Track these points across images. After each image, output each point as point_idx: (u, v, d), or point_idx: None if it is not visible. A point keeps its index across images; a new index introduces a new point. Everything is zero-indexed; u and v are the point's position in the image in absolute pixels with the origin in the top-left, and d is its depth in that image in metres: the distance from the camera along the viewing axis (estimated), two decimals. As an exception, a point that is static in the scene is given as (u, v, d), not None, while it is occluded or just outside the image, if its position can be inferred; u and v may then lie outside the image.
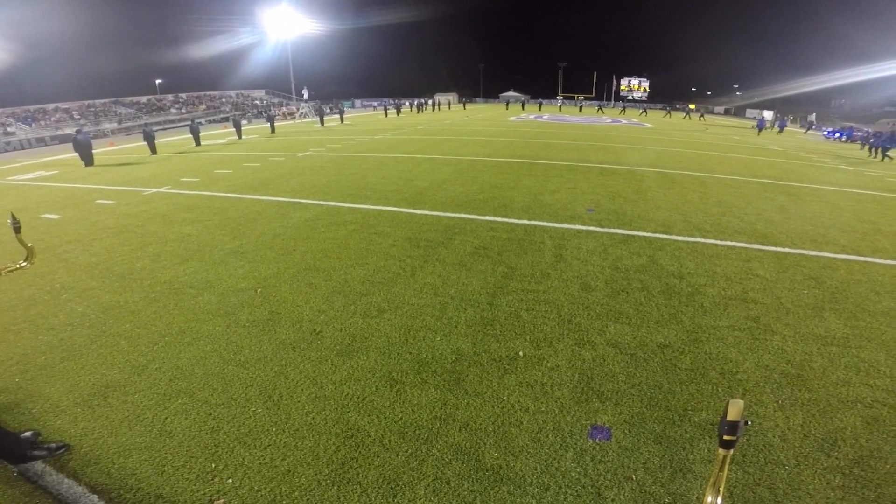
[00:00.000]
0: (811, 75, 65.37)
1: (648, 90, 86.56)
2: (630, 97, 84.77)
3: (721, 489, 1.49)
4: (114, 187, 12.29)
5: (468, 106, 72.30)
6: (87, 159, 16.72)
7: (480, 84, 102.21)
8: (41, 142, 30.74)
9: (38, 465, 3.09)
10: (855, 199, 11.39)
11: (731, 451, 1.50)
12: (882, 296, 5.68)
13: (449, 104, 66.80)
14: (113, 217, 9.19)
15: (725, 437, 1.48)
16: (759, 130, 34.57)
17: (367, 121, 39.02)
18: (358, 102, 68.12)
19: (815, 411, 3.60)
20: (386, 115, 44.68)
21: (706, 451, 3.18)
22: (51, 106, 38.61)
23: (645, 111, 60.32)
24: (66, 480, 2.98)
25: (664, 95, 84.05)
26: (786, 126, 38.88)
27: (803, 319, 5.04)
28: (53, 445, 3.20)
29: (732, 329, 4.81)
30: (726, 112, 72.01)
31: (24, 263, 3.22)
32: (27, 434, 3.24)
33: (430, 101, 62.41)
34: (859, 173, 16.09)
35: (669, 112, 60.63)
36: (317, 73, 65.76)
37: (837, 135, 35.18)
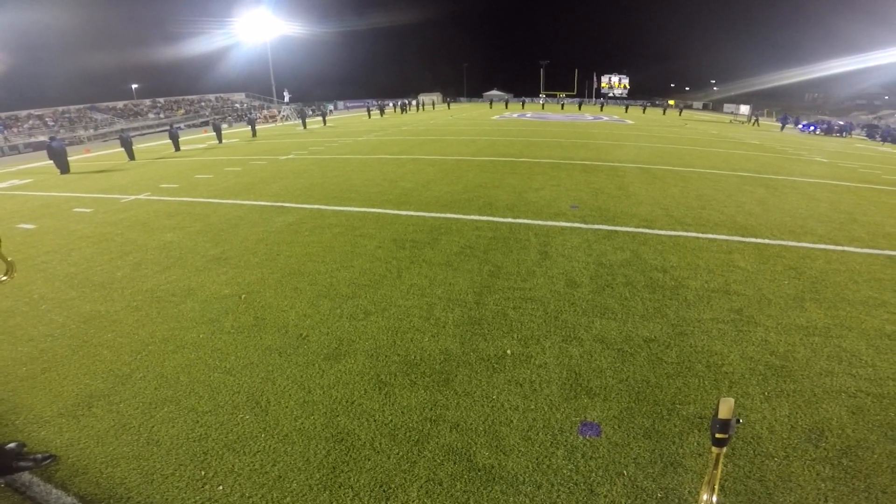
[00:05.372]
0: (786, 69, 66.72)
1: (628, 87, 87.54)
2: (611, 94, 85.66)
3: (716, 487, 1.51)
4: (91, 195, 12.04)
5: (452, 105, 72.42)
6: (63, 167, 16.35)
7: (464, 83, 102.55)
8: (14, 149, 29.99)
9: (25, 476, 3.03)
10: (831, 190, 11.64)
11: (724, 449, 1.51)
12: (860, 284, 5.81)
13: (433, 104, 66.75)
14: (91, 226, 9.00)
15: (718, 436, 1.49)
16: (783, 126, 36.13)
17: (350, 122, 38.81)
18: (341, 104, 67.70)
19: (801, 402, 3.66)
20: (369, 117, 44.48)
21: (696, 444, 3.22)
22: (23, 112, 37.63)
23: (626, 108, 60.91)
24: (54, 491, 2.93)
25: (644, 92, 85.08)
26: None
27: (785, 310, 5.13)
28: (39, 456, 3.14)
29: (716, 321, 4.87)
30: (704, 107, 73.12)
31: (4, 278, 3.20)
32: (11, 445, 3.17)
33: (414, 102, 62.30)
34: (834, 165, 16.45)
35: (644, 108, 61.42)
36: (298, 76, 65.24)
37: (812, 128, 36.00)
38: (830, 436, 3.31)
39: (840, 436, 3.31)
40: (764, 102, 61.70)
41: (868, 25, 56.59)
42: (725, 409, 1.49)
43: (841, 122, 36.36)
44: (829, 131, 34.49)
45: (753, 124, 40.65)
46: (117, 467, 3.10)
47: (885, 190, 12.08)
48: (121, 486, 2.95)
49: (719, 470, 1.52)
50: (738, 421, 1.51)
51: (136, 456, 3.19)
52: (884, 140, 30.97)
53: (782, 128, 36.00)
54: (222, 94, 56.72)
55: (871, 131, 33.52)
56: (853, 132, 35.30)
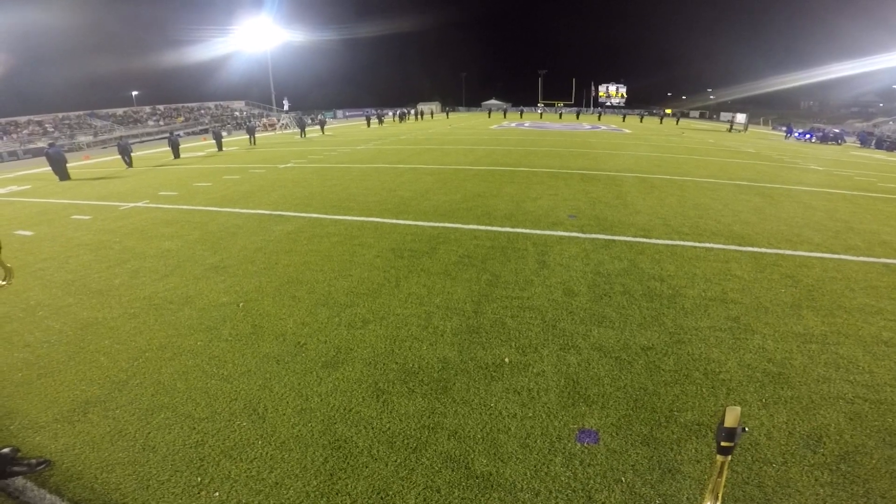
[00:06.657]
0: (782, 73, 67.34)
1: (626, 96, 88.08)
2: (608, 103, 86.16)
3: (719, 494, 1.51)
4: (90, 202, 12.05)
5: (451, 115, 72.76)
6: (62, 173, 16.38)
7: (463, 93, 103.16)
8: (13, 155, 30.04)
9: (19, 481, 3.02)
10: (826, 199, 11.71)
11: (729, 457, 1.51)
12: (856, 292, 5.84)
13: (432, 113, 67.02)
14: (89, 233, 9.00)
15: (723, 444, 1.49)
16: (787, 135, 39.03)
17: (349, 131, 38.97)
18: (339, 113, 67.95)
19: (799, 409, 3.67)
20: (368, 126, 44.63)
21: (693, 451, 3.22)
22: (23, 118, 37.78)
23: (624, 117, 61.25)
24: (48, 496, 2.92)
25: (641, 100, 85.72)
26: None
27: (782, 318, 5.15)
28: (34, 461, 3.13)
29: (714, 329, 4.89)
30: (701, 115, 73.55)
31: (3, 283, 3.23)
32: (6, 450, 3.16)
33: (412, 111, 62.54)
34: (829, 173, 16.54)
35: (642, 118, 61.84)
36: (298, 84, 65.56)
37: (808, 136, 36.26)
38: (829, 442, 3.31)
39: (838, 442, 3.32)
40: (760, 111, 62.18)
41: (864, 31, 57.10)
42: (732, 417, 1.48)
43: (836, 130, 36.66)
44: (824, 139, 34.77)
45: (734, 131, 43.04)
46: (112, 473, 3.09)
47: (881, 198, 12.15)
48: (116, 492, 2.94)
49: (723, 478, 1.52)
50: (744, 429, 1.51)
51: (131, 462, 3.18)
52: (878, 147, 31.31)
53: (787, 136, 38.74)
54: (222, 102, 56.97)
55: (866, 138, 33.87)
56: (847, 140, 35.72)
